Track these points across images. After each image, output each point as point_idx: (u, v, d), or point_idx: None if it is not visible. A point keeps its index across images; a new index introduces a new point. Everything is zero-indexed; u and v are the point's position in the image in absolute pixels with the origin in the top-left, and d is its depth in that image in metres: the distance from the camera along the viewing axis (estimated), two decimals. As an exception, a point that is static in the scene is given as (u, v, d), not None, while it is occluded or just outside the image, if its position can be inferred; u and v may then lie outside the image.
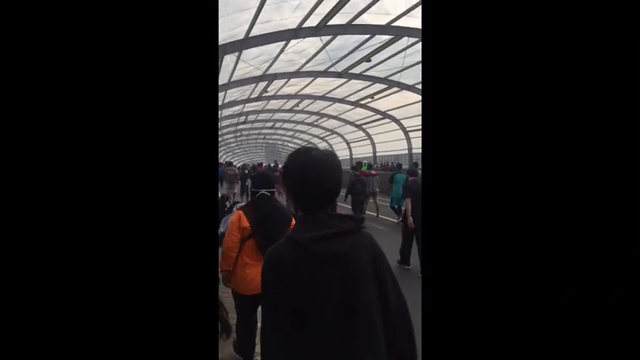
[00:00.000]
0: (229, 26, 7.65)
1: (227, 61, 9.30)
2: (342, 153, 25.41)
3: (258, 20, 7.26)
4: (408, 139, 17.89)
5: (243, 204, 2.72)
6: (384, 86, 13.18)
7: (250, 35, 7.93)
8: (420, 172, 7.71)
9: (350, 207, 7.65)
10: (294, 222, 2.48)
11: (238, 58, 9.41)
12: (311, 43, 9.55)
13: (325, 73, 12.02)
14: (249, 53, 9.23)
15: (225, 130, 25.45)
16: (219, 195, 4.96)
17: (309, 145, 2.32)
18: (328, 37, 8.75)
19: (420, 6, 7.42)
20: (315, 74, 12.13)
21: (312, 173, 0.96)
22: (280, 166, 17.28)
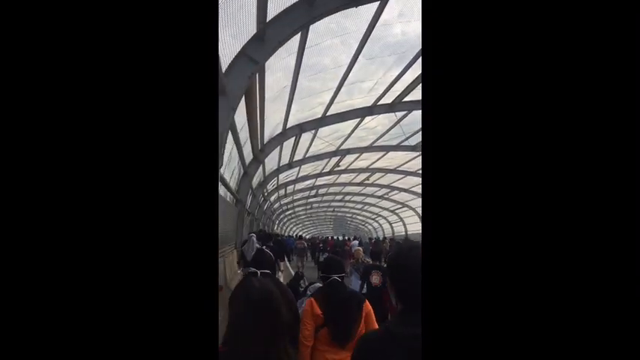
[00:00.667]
0: (306, 107, 8.17)
1: (304, 138, 9.80)
2: (413, 227, 24.36)
3: (335, 101, 7.64)
4: (488, 213, 16.60)
5: (319, 285, 2.59)
6: (459, 158, 12.73)
7: (327, 114, 8.34)
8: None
9: None
10: (367, 305, 2.31)
11: (314, 135, 9.87)
12: (383, 119, 9.75)
13: (398, 147, 12.04)
14: (323, 131, 9.65)
15: (297, 203, 26.25)
16: (293, 272, 4.81)
17: (415, 242, 2.25)
18: (402, 113, 8.86)
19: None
20: (387, 148, 12.21)
21: (420, 271, 0.96)
22: (349, 239, 16.98)
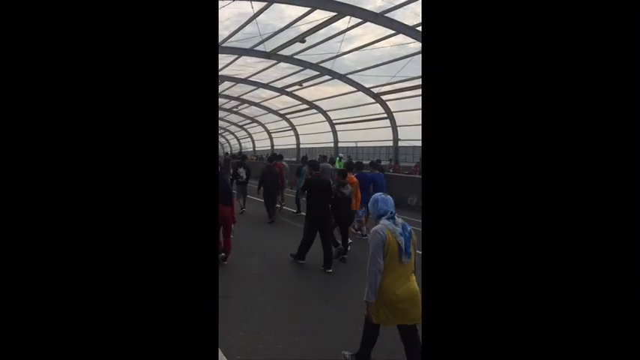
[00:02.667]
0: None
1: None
2: (263, 143, 23.98)
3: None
4: (335, 133, 17.31)
5: None
6: (315, 73, 12.20)
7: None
8: (330, 166, 7.20)
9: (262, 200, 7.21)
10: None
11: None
12: (238, 10, 8.05)
13: (252, 52, 10.55)
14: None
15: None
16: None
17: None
18: (261, 5, 7.36)
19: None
20: (240, 52, 10.56)
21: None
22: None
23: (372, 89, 12.84)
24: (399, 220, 2.01)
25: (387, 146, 16.47)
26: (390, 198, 2.13)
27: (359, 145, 18.44)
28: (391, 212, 2.01)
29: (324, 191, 4.38)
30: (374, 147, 18.08)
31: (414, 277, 2.01)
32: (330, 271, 4.11)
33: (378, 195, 2.14)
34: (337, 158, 11.99)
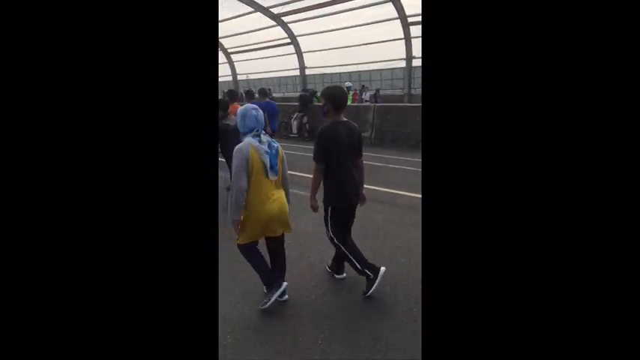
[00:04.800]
0: None
1: None
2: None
3: None
4: (232, 64, 15.48)
5: None
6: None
7: None
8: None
9: None
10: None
11: None
12: None
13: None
14: None
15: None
16: None
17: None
18: None
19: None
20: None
21: None
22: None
23: (271, 9, 11.43)
24: (265, 138, 2.04)
25: (292, 76, 15.49)
26: (262, 114, 2.09)
27: (262, 76, 16.98)
28: (257, 130, 2.03)
29: None
30: (278, 77, 16.86)
31: (282, 193, 2.10)
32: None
33: (248, 108, 2.05)
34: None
